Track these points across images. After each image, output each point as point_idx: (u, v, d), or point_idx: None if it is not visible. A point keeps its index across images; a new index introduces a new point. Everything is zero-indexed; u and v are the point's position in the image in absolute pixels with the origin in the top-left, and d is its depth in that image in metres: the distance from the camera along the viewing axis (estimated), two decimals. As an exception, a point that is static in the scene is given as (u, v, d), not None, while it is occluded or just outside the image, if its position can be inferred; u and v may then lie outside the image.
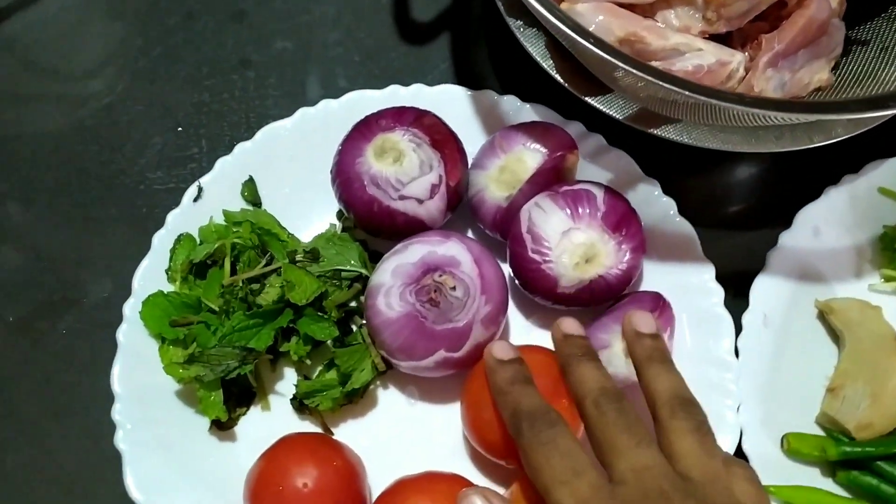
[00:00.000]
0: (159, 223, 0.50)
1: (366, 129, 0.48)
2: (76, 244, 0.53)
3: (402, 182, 0.47)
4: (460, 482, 0.43)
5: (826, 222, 0.51)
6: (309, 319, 0.46)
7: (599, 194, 0.47)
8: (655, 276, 0.50)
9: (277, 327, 0.45)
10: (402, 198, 0.47)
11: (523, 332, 0.50)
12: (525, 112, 0.53)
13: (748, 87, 0.48)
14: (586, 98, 0.49)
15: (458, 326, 0.43)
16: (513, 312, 0.50)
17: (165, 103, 0.56)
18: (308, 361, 0.47)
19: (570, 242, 0.46)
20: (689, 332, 0.48)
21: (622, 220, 0.46)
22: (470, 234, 0.52)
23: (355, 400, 0.47)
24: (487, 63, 0.58)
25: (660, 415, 0.37)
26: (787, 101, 0.45)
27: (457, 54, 0.58)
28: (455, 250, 0.45)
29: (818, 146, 0.48)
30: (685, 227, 0.50)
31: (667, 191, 0.51)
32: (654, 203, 0.50)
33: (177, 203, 0.50)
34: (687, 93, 0.39)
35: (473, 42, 0.58)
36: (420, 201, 0.47)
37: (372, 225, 0.48)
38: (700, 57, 0.47)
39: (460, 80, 0.57)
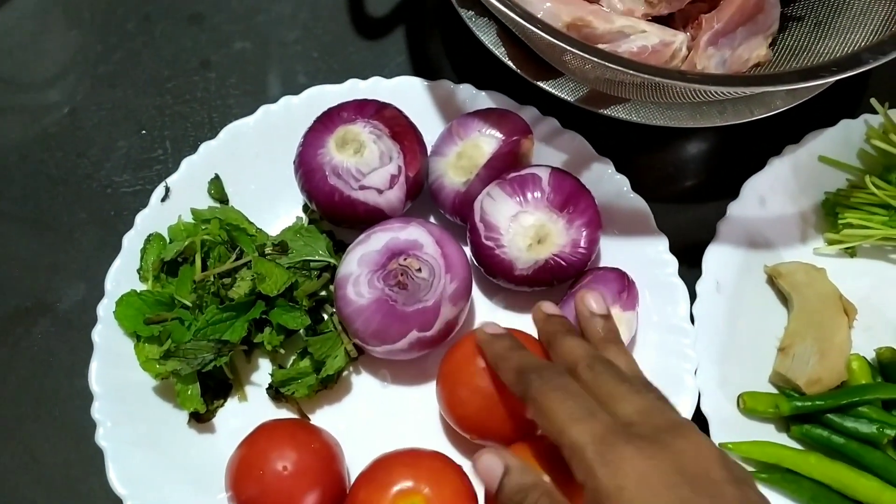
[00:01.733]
0: (128, 225, 0.50)
1: (328, 121, 0.50)
2: (47, 250, 0.54)
3: (363, 172, 0.48)
4: (439, 457, 0.44)
5: (771, 191, 0.53)
6: (281, 310, 0.47)
7: (545, 176, 0.49)
8: (613, 252, 0.52)
9: (250, 319, 0.46)
10: (362, 188, 0.48)
11: (489, 313, 0.52)
12: (481, 99, 0.54)
13: (691, 65, 0.50)
14: (538, 83, 0.51)
15: (428, 305, 0.45)
16: (477, 296, 0.52)
17: (128, 107, 0.57)
18: (282, 351, 0.48)
19: (520, 226, 0.48)
20: (648, 301, 0.50)
21: (569, 198, 0.48)
22: (431, 220, 0.54)
23: (330, 386, 0.48)
24: (442, 54, 0.59)
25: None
26: (727, 76, 0.47)
27: (412, 47, 0.59)
28: (416, 234, 0.47)
29: (759, 119, 0.50)
30: (639, 202, 0.52)
31: (620, 169, 0.53)
32: (607, 181, 0.53)
33: (144, 204, 0.51)
34: (632, 72, 0.41)
35: (428, 34, 0.60)
36: (380, 191, 0.49)
37: (334, 215, 0.49)
38: (644, 38, 0.49)
39: (417, 72, 0.58)
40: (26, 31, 0.60)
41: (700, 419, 0.47)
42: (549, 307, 0.44)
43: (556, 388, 0.36)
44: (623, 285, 0.48)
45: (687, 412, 0.47)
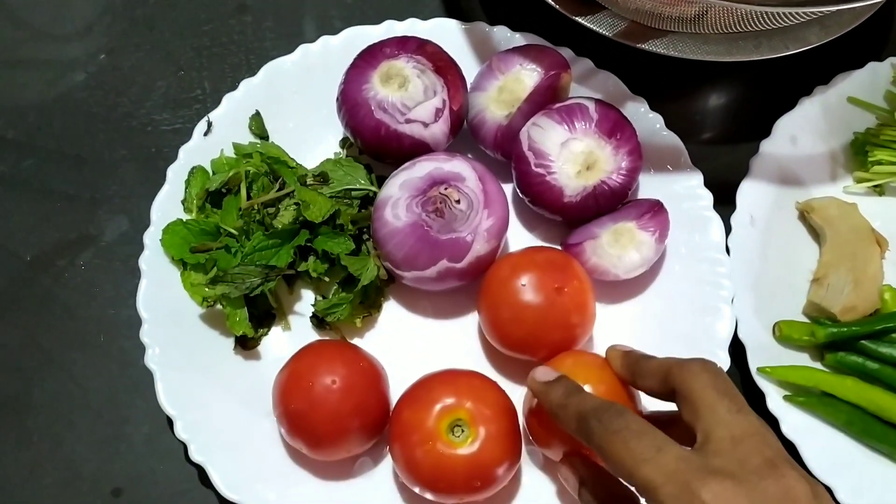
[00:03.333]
0: (168, 161, 0.51)
1: (371, 57, 0.50)
2: (88, 185, 0.54)
3: (408, 106, 0.49)
4: (477, 375, 0.45)
5: (801, 130, 0.54)
6: (325, 237, 0.48)
7: (591, 105, 0.49)
8: (649, 187, 0.53)
9: (296, 245, 0.47)
10: (408, 121, 0.49)
11: (527, 244, 0.52)
12: (516, 41, 0.55)
13: None
14: (577, 18, 0.52)
15: (462, 237, 0.46)
16: (517, 228, 0.53)
17: (166, 49, 0.58)
18: (326, 279, 0.49)
19: (570, 152, 0.49)
20: (683, 235, 0.51)
21: (615, 126, 0.49)
22: (471, 156, 0.54)
23: (372, 312, 0.49)
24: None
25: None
26: None
27: (447, -9, 0.60)
28: (460, 167, 0.48)
29: (788, 58, 0.51)
30: (673, 139, 0.53)
31: (653, 108, 0.54)
32: (642, 119, 0.53)
33: (183, 142, 0.52)
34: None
35: (460, -23, 0.61)
36: (425, 124, 0.49)
37: (379, 149, 0.50)
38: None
39: (450, 15, 0.59)
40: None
41: (736, 345, 0.48)
42: (542, 374, 0.40)
43: (618, 429, 0.33)
44: (648, 208, 0.49)
45: (724, 338, 0.48)
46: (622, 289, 0.51)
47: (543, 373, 0.40)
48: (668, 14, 0.48)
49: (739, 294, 0.50)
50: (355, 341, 0.49)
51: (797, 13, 0.45)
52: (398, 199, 0.47)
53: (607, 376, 0.44)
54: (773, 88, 0.57)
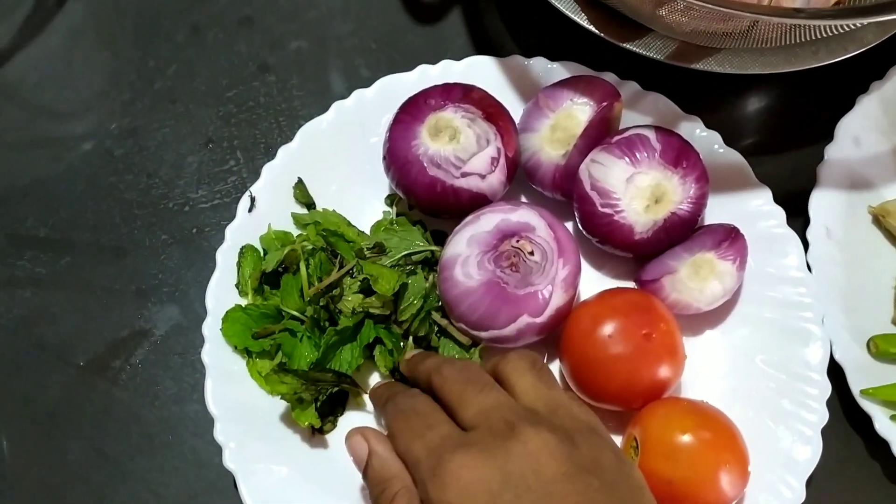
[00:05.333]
0: (212, 241, 0.49)
1: (415, 110, 0.48)
2: (132, 276, 0.51)
3: (462, 159, 0.47)
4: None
5: (864, 130, 0.52)
6: (387, 333, 0.46)
7: (651, 135, 0.47)
8: (716, 210, 0.51)
9: (364, 344, 0.45)
10: (464, 175, 0.47)
11: (597, 286, 0.50)
12: (556, 71, 0.53)
13: (777, 5, 0.48)
14: (624, 44, 0.49)
15: (540, 290, 0.44)
16: (585, 268, 0.50)
17: (191, 121, 0.55)
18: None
19: (636, 187, 0.46)
20: (757, 256, 0.49)
21: (680, 154, 0.47)
22: (526, 199, 0.52)
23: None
24: (503, 30, 0.57)
25: (497, 368, 0.39)
26: (847, 9, 0.45)
27: (471, 26, 0.58)
28: (528, 216, 0.45)
29: (852, 56, 0.49)
30: (734, 156, 0.51)
31: (707, 126, 0.51)
32: (698, 139, 0.51)
33: (225, 218, 0.49)
34: (742, 14, 0.40)
35: (485, 11, 0.58)
36: (482, 176, 0.47)
37: (436, 206, 0.48)
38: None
39: (480, 52, 0.56)
40: (69, 59, 0.57)
41: (834, 368, 0.46)
42: (409, 355, 0.44)
43: (403, 409, 0.36)
44: (725, 235, 0.46)
45: (820, 363, 0.46)
46: (703, 319, 0.49)
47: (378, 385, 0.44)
48: (719, 31, 0.46)
49: (829, 313, 0.47)
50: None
51: (849, 24, 0.43)
52: (468, 256, 0.44)
53: (705, 421, 0.42)
54: (824, 89, 0.55)
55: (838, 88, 0.53)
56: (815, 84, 0.56)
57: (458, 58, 0.53)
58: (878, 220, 0.51)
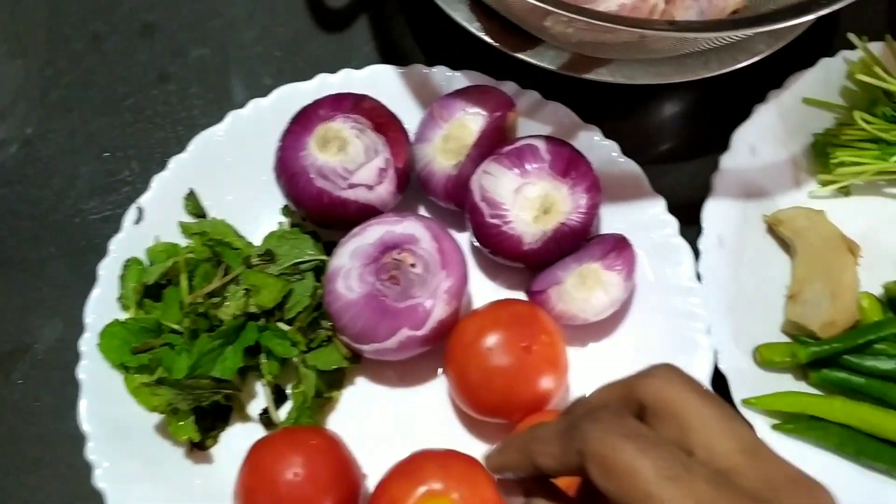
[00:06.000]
0: (102, 254, 0.47)
1: (305, 121, 0.47)
2: (18, 290, 0.50)
3: (350, 170, 0.46)
4: (471, 461, 0.42)
5: (760, 139, 0.53)
6: (272, 334, 0.45)
7: (542, 145, 0.47)
8: (611, 219, 0.51)
9: (243, 347, 0.44)
10: (351, 186, 0.46)
11: (492, 297, 0.50)
12: (456, 80, 0.53)
13: (669, 18, 0.49)
14: (517, 54, 0.49)
15: (420, 303, 0.43)
16: (478, 278, 0.50)
17: (87, 131, 0.54)
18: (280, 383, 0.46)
19: (525, 198, 0.46)
20: (651, 266, 0.49)
21: (569, 164, 0.47)
22: (423, 210, 0.52)
23: (333, 395, 0.46)
24: (410, 38, 0.57)
25: (642, 394, 0.27)
26: (717, 21, 0.45)
27: (378, 34, 0.57)
28: (413, 228, 0.45)
29: (743, 66, 0.49)
30: (631, 165, 0.51)
31: (607, 135, 0.51)
32: (597, 148, 0.51)
33: (117, 230, 0.48)
34: (623, 28, 0.39)
35: (392, 19, 0.58)
36: (370, 187, 0.46)
37: (323, 217, 0.47)
38: (620, -4, 0.47)
39: (386, 60, 0.56)
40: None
41: (717, 378, 0.46)
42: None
43: (625, 435, 0.24)
44: (613, 246, 0.46)
45: (704, 373, 0.46)
46: (592, 330, 0.49)
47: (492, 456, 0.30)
48: (609, 41, 0.46)
49: (716, 322, 0.48)
50: (321, 425, 0.47)
51: (737, 35, 0.43)
52: (349, 269, 0.44)
53: None
54: (726, 99, 0.55)
55: (738, 98, 0.53)
56: (715, 94, 0.56)
57: (362, 66, 0.53)
58: (773, 228, 0.52)
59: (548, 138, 0.48)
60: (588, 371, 0.48)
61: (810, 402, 0.46)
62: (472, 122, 0.48)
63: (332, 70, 0.52)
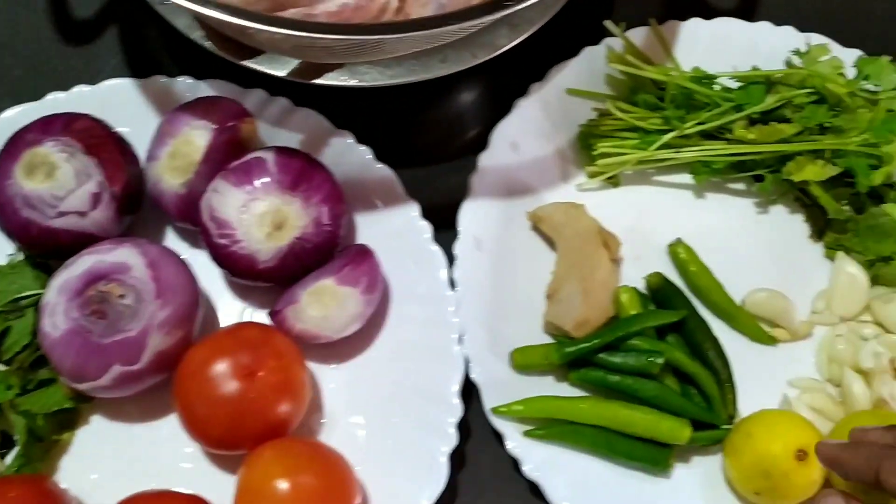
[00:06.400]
0: None
1: (12, 147, 0.44)
2: None
3: (59, 197, 0.43)
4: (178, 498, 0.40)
5: (523, 134, 0.51)
6: None
7: (270, 158, 0.45)
8: (368, 227, 0.49)
9: None
10: (61, 214, 0.43)
11: (243, 317, 0.48)
12: (202, 90, 0.50)
13: (405, 16, 0.46)
14: (244, 62, 0.46)
15: (131, 336, 0.41)
16: (228, 300, 0.48)
17: None
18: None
19: (253, 215, 0.44)
20: (409, 274, 0.48)
21: (300, 176, 0.45)
22: (168, 231, 0.49)
23: (64, 437, 0.44)
24: (162, 48, 0.54)
25: None
26: (362, 26, 0.41)
27: (127, 45, 0.54)
28: (126, 256, 0.42)
29: (505, 53, 0.47)
30: (384, 171, 0.49)
31: (364, 140, 0.49)
32: (350, 154, 0.49)
33: None
34: (303, 34, 0.37)
35: (144, 29, 0.54)
36: (83, 214, 0.44)
37: (38, 248, 0.44)
38: (345, -5, 0.45)
39: (135, 72, 0.53)
40: None
41: (471, 388, 0.45)
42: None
43: None
44: (349, 260, 0.45)
45: (455, 383, 0.44)
46: (345, 346, 0.46)
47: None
48: (333, 46, 0.44)
49: (471, 329, 0.46)
50: (57, 470, 0.43)
51: (452, 31, 0.41)
52: (55, 304, 0.41)
53: (318, 466, 0.40)
54: (486, 96, 0.53)
55: (497, 94, 0.52)
56: (478, 91, 0.54)
57: (111, 78, 0.50)
58: (536, 226, 0.50)
59: (279, 150, 0.45)
60: (345, 388, 0.46)
61: (559, 405, 0.45)
62: (198, 136, 0.46)
63: (71, 86, 0.49)
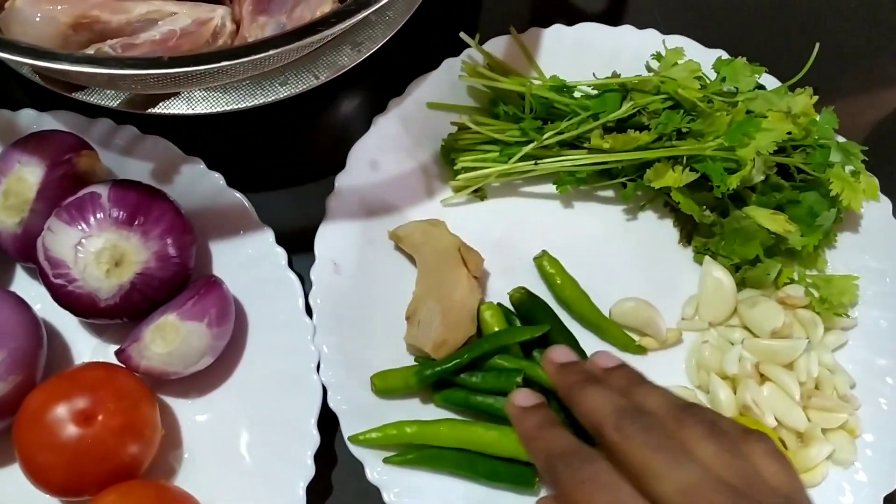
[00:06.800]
0: None
1: None
2: None
3: None
4: None
5: (382, 152, 0.50)
6: None
7: (104, 192, 0.43)
8: (221, 255, 0.48)
9: None
10: None
11: (98, 354, 0.46)
12: (46, 122, 0.48)
13: (242, 39, 0.45)
14: (74, 95, 0.45)
15: (-47, 387, 0.39)
16: (83, 338, 0.47)
17: None
18: None
19: (89, 252, 0.42)
20: (266, 303, 0.46)
21: (136, 209, 0.43)
22: (19, 272, 0.47)
23: None
24: (10, 77, 0.52)
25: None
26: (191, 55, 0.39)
27: (-27, 76, 0.52)
28: (-52, 302, 0.41)
29: (343, 76, 0.46)
30: (236, 197, 0.48)
31: (216, 166, 0.48)
32: (201, 181, 0.48)
33: None
34: (117, 71, 0.36)
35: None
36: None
37: None
38: (173, 22, 0.44)
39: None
40: None
41: (329, 416, 0.44)
42: (560, 354, 0.37)
43: (584, 479, 0.31)
44: (193, 293, 0.43)
45: (312, 413, 0.43)
46: (204, 379, 0.45)
47: (523, 396, 0.36)
48: (154, 77, 0.42)
49: (329, 356, 0.45)
50: None
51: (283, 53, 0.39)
52: None
53: None
54: (345, 115, 0.52)
55: (356, 113, 0.51)
56: (329, 111, 0.53)
57: None
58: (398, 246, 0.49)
59: (115, 183, 0.44)
60: (206, 422, 0.45)
61: (417, 430, 0.44)
62: (29, 173, 0.44)
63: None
